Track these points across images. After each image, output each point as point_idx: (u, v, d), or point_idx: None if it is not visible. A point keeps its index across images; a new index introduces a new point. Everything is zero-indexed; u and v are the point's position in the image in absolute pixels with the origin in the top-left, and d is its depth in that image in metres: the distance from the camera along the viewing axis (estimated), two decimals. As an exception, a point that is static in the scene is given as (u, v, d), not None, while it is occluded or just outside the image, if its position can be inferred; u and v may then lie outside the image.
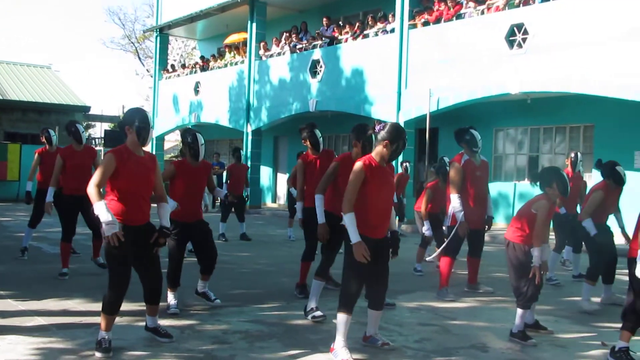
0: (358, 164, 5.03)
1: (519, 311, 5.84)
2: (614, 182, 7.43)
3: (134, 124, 5.12)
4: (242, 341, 5.52)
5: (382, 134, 5.08)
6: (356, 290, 5.10)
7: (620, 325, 5.30)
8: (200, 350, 5.22)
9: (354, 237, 4.90)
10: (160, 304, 6.31)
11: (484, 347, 5.59)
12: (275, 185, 25.64)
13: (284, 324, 6.20)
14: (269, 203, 25.46)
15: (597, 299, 7.65)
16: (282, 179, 25.00)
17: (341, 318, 5.06)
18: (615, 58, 13.22)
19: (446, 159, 9.77)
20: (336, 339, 5.06)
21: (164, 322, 5.96)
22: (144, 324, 5.57)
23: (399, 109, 17.73)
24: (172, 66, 30.60)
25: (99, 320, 5.10)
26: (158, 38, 29.92)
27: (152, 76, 31.64)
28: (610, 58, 13.30)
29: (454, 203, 7.54)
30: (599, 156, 15.57)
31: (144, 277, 5.27)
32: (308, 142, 7.57)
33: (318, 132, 7.56)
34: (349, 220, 4.93)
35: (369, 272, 5.08)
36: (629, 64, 12.99)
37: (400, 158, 17.09)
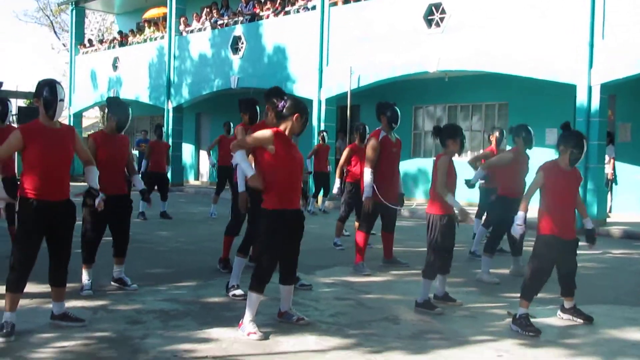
0: (269, 131, 5.07)
1: (424, 281, 6.05)
2: (523, 141, 7.81)
3: (42, 96, 4.95)
4: (156, 320, 5.48)
5: (289, 109, 5.13)
6: (269, 267, 5.14)
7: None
8: (113, 330, 5.15)
9: (242, 186, 5.56)
10: (74, 284, 6.22)
11: (396, 319, 5.76)
12: (197, 163, 25.35)
13: (200, 302, 6.19)
14: (191, 181, 25.17)
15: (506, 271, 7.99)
16: (205, 156, 24.71)
17: (252, 296, 5.11)
18: (528, 38, 13.67)
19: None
20: (245, 315, 5.11)
21: (76, 303, 5.86)
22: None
23: (320, 86, 17.79)
24: (90, 41, 29.60)
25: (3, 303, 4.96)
26: (74, 11, 28.80)
27: (68, 51, 30.53)
28: (523, 38, 13.74)
29: (367, 178, 7.69)
30: (513, 133, 16.14)
31: (54, 256, 5.12)
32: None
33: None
34: (239, 159, 5.17)
35: (283, 247, 5.13)
36: (541, 45, 13.46)
37: (318, 128, 17.21)
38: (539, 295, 5.70)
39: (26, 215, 4.90)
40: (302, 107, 5.20)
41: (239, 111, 7.41)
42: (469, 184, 8.20)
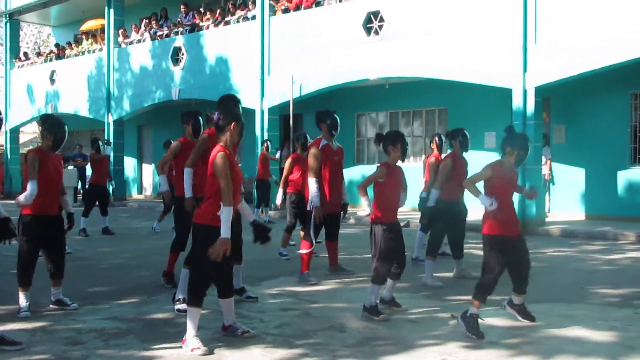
0: (221, 154, 5.00)
1: (371, 286, 6.09)
2: (460, 144, 7.97)
3: None
4: (97, 340, 5.35)
5: (225, 119, 5.14)
6: (204, 280, 5.11)
7: (469, 297, 5.67)
8: (52, 352, 5.01)
9: (226, 232, 4.88)
10: (11, 306, 6.03)
11: (342, 327, 5.77)
12: (140, 177, 24.95)
13: (142, 319, 6.07)
14: (134, 195, 24.75)
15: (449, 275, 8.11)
16: (148, 169, 24.38)
17: (191, 311, 5.06)
18: (465, 44, 13.97)
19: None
20: (187, 330, 5.05)
21: (14, 326, 5.69)
22: (-11, 329, 5.26)
23: (262, 95, 17.77)
24: (26, 54, 28.87)
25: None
26: (8, 24, 28.02)
27: (3, 65, 29.67)
28: (460, 44, 14.04)
29: (312, 188, 7.69)
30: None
31: None
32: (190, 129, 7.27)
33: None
34: (226, 215, 4.90)
35: (219, 263, 5.06)
36: (477, 50, 13.78)
37: (262, 138, 17.18)
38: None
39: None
40: (236, 114, 5.21)
41: (182, 123, 7.36)
42: (426, 208, 8.19)
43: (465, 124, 15.37)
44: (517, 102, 13.32)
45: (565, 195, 15.12)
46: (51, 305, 6.42)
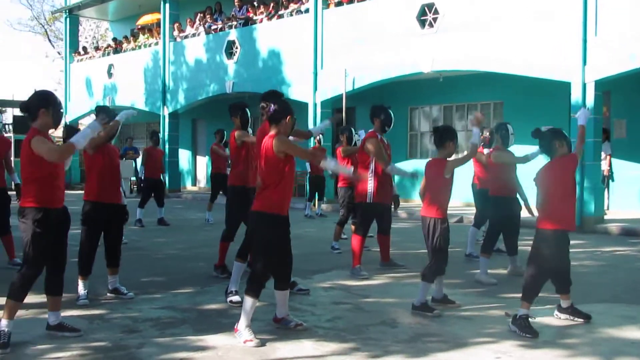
0: (280, 136, 5.13)
1: (423, 284, 6.02)
2: (502, 139, 7.95)
3: (51, 106, 5.00)
4: (152, 329, 5.45)
5: (280, 112, 5.21)
6: (264, 272, 5.13)
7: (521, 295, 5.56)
8: (109, 340, 5.13)
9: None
10: (70, 294, 6.20)
11: (394, 322, 5.73)
12: (194, 169, 25.33)
13: (197, 309, 6.16)
14: (188, 186, 25.14)
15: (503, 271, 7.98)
16: (202, 161, 24.74)
17: (247, 301, 5.10)
18: (522, 37, 13.67)
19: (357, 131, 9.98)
20: (240, 320, 5.10)
21: (73, 313, 5.84)
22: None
23: (315, 89, 17.78)
24: (84, 48, 29.60)
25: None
26: (68, 19, 28.84)
27: (63, 59, 30.52)
28: (516, 37, 13.74)
29: (392, 171, 7.80)
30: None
31: (50, 264, 5.09)
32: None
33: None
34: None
35: (279, 252, 5.15)
36: (535, 43, 13.46)
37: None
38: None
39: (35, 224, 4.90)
40: (291, 108, 5.31)
41: (230, 116, 7.45)
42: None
43: (522, 118, 15.19)
44: (575, 96, 12.97)
45: (625, 192, 14.68)
46: (108, 294, 6.57)
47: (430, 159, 6.39)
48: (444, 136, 6.12)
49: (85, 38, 39.54)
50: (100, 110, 6.46)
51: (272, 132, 5.20)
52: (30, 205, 4.93)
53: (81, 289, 6.36)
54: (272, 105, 5.27)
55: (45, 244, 4.93)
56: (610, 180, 14.86)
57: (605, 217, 13.65)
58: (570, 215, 5.59)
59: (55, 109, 5.01)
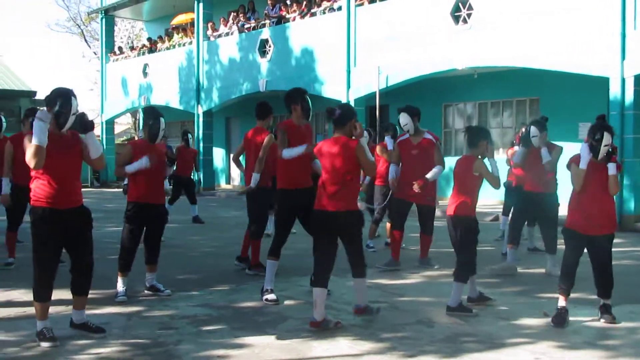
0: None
1: (455, 285, 5.95)
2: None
3: (54, 106, 4.88)
4: (189, 326, 5.50)
5: (347, 116, 5.50)
6: (328, 266, 5.50)
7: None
8: (147, 337, 5.19)
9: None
10: (109, 290, 6.30)
11: (430, 322, 5.69)
12: (228, 167, 25.47)
13: (233, 307, 6.20)
14: (222, 185, 25.32)
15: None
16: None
17: (315, 291, 5.40)
18: (558, 32, 13.45)
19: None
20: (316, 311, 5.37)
21: (111, 310, 5.93)
22: (90, 312, 5.49)
23: (348, 87, 17.75)
24: (120, 48, 30.02)
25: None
26: (103, 20, 29.30)
27: (99, 59, 30.98)
28: (552, 32, 13.52)
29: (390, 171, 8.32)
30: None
31: (74, 265, 5.12)
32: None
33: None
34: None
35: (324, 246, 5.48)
36: (571, 38, 13.24)
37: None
38: (577, 295, 5.60)
39: (39, 226, 4.91)
40: (355, 112, 5.67)
41: (260, 116, 7.49)
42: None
43: (559, 114, 14.96)
44: (614, 91, 12.72)
45: (665, 190, 14.34)
46: (145, 291, 6.65)
47: (461, 156, 6.33)
48: (477, 136, 6.07)
49: (121, 38, 40.08)
50: (144, 112, 6.56)
51: (338, 134, 5.51)
52: (33, 205, 4.98)
53: (120, 285, 6.44)
54: (338, 110, 5.49)
55: (44, 244, 4.90)
56: (650, 178, 14.53)
57: (646, 215, 13.36)
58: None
59: (59, 109, 4.84)
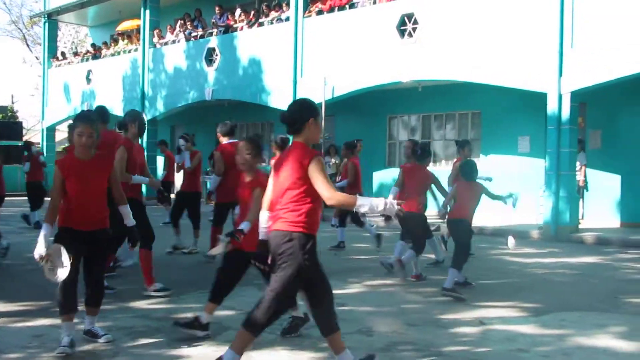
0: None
1: (452, 271, 7.18)
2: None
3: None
4: (126, 337, 5.41)
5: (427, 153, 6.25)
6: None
7: (499, 302, 5.62)
8: (82, 349, 5.07)
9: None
10: (42, 302, 6.13)
11: (369, 331, 5.75)
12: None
13: (172, 318, 6.09)
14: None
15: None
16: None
17: None
18: (499, 48, 13.82)
19: None
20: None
21: (44, 322, 5.77)
22: (22, 325, 5.34)
23: (294, 97, 17.79)
24: (63, 54, 29.41)
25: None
26: (47, 24, 28.64)
27: (41, 64, 30.27)
28: (494, 48, 13.89)
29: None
30: (487, 142, 16.29)
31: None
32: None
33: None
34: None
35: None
36: (512, 55, 13.62)
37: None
38: (513, 303, 5.72)
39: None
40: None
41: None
42: None
43: (499, 127, 15.37)
44: (552, 106, 13.12)
45: (599, 202, 14.86)
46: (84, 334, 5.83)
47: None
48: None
49: (64, 43, 39.30)
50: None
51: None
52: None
53: (63, 332, 5.12)
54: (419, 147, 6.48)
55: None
56: (585, 190, 15.04)
57: (580, 226, 13.81)
58: None
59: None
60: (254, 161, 5.43)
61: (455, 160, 10.33)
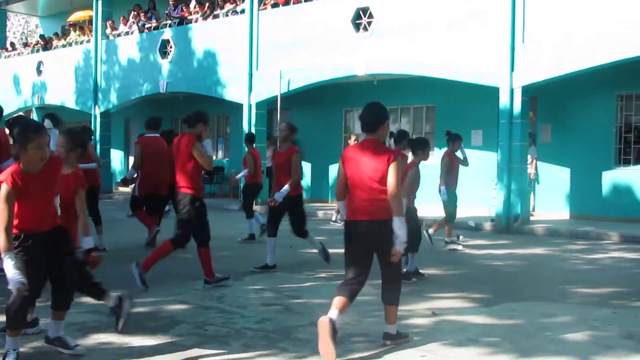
0: None
1: (411, 256, 7.62)
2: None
3: None
4: (77, 333, 5.33)
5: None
6: None
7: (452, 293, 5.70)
8: (31, 346, 4.98)
9: None
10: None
11: (323, 323, 5.76)
12: (127, 169, 24.81)
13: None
14: (120, 187, 24.60)
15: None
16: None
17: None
18: (453, 43, 13.99)
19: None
20: None
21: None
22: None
23: (250, 90, 17.74)
24: (12, 44, 28.67)
25: None
26: (-6, 14, 27.89)
27: (-11, 55, 29.46)
28: (448, 43, 14.05)
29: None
30: (442, 136, 16.47)
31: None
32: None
33: None
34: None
35: None
36: (465, 48, 13.80)
37: (248, 131, 17.11)
38: (464, 294, 5.81)
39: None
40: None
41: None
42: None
43: (453, 121, 15.54)
44: (503, 101, 13.36)
45: (550, 195, 15.20)
46: (46, 342, 5.18)
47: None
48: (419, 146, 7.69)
49: (14, 33, 38.32)
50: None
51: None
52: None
53: (8, 346, 4.94)
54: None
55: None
56: (536, 183, 15.36)
57: (531, 218, 14.11)
58: None
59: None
60: (68, 155, 5.26)
61: (443, 154, 10.52)
